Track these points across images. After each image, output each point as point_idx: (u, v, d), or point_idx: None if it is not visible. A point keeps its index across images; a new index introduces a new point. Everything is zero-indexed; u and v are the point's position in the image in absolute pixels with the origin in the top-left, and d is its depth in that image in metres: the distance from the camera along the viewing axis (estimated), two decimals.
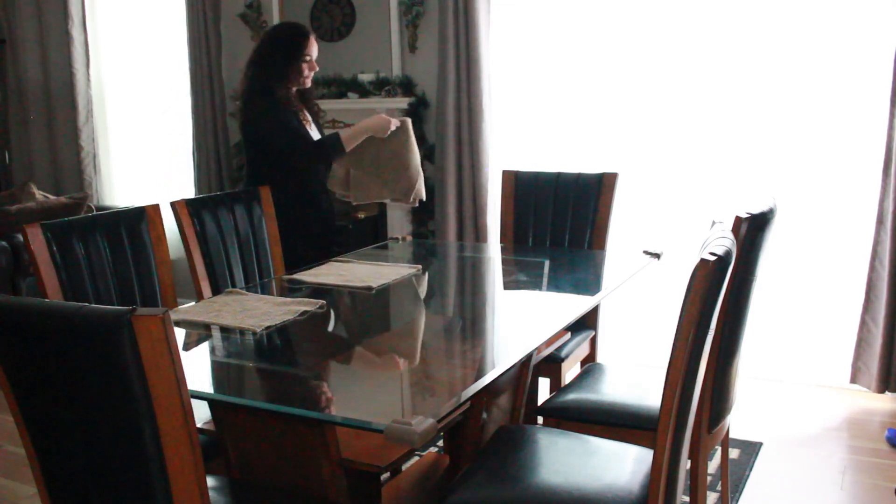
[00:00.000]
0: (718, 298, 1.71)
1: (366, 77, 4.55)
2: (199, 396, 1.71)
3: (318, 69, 3.29)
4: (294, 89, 3.25)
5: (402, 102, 4.44)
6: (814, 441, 3.32)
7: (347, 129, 3.23)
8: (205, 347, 2.13)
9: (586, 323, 3.14)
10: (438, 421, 1.51)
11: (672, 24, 4.02)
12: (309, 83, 3.29)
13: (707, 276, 1.57)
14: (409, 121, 3.27)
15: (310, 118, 3.34)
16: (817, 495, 2.88)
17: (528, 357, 2.21)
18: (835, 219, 3.87)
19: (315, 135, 3.30)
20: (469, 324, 2.38)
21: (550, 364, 2.89)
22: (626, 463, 1.95)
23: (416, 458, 2.80)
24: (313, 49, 3.23)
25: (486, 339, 2.27)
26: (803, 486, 2.94)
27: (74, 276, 2.42)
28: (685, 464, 1.89)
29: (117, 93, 5.72)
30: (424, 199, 3.38)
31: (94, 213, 3.18)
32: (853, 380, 3.77)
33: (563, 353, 2.93)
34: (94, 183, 5.71)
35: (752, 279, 2.10)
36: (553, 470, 1.94)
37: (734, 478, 2.94)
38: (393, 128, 3.19)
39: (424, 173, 4.57)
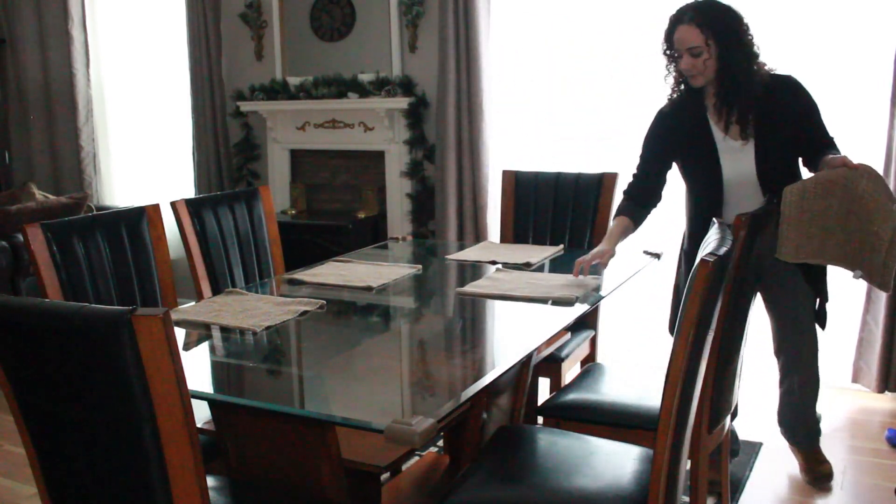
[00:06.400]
0: (718, 298, 1.71)
1: (366, 77, 4.55)
2: (199, 396, 1.71)
3: (688, 67, 2.69)
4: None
5: (402, 102, 4.44)
6: None
7: None
8: (205, 347, 2.13)
9: (586, 323, 3.14)
10: (438, 421, 1.51)
11: None
12: (692, 81, 2.74)
13: (707, 276, 1.57)
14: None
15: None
16: (817, 495, 2.88)
17: (528, 357, 2.20)
18: None
19: None
20: (469, 324, 2.38)
21: (550, 364, 2.90)
22: (626, 463, 1.95)
23: (416, 458, 2.80)
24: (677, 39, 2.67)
25: (486, 339, 2.27)
26: (803, 486, 2.93)
27: (74, 276, 2.42)
28: (685, 464, 1.88)
29: (117, 93, 5.72)
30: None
31: (94, 213, 3.18)
32: (854, 379, 3.77)
33: (563, 353, 2.93)
34: (94, 183, 5.71)
35: (752, 279, 2.10)
36: (553, 470, 1.94)
37: (734, 478, 2.94)
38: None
39: (424, 173, 4.59)
